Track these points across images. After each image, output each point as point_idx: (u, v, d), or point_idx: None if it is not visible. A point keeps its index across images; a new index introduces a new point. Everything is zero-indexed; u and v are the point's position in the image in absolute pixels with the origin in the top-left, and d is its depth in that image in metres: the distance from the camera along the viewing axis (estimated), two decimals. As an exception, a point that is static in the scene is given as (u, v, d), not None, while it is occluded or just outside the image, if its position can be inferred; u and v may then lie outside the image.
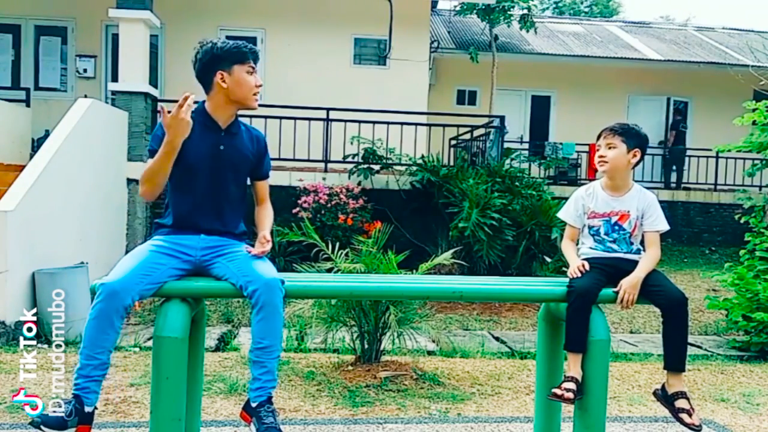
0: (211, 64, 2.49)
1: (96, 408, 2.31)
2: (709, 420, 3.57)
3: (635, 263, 2.64)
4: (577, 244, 2.84)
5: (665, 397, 2.61)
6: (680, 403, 2.55)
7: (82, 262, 6.11)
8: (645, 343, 6.38)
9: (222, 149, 2.52)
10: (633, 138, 2.68)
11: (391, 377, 4.09)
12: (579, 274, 2.62)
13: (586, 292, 2.53)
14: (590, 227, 2.74)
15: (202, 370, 2.83)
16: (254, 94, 2.55)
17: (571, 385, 2.48)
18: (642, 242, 2.74)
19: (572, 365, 2.53)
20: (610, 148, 2.68)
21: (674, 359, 2.59)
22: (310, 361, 4.54)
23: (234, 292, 2.40)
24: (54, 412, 2.21)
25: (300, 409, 3.54)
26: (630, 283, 2.56)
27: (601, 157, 2.70)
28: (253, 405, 2.34)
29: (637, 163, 2.72)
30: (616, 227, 2.69)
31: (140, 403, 3.50)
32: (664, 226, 2.70)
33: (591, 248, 2.74)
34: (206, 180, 2.50)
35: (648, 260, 2.63)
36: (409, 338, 4.37)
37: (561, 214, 2.85)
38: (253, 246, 2.53)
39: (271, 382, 2.37)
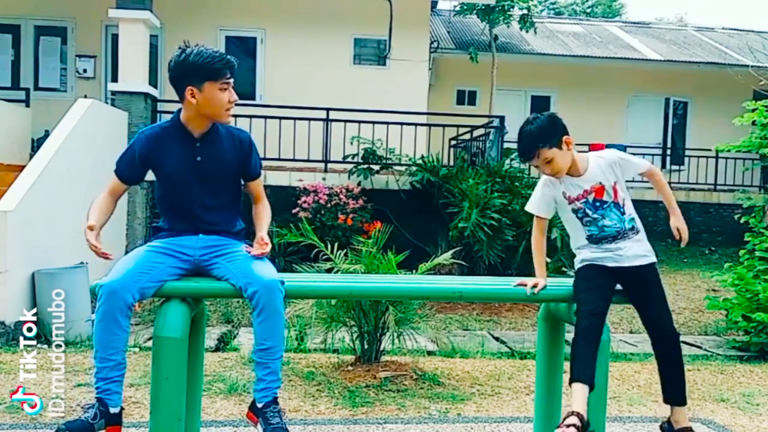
0: (181, 77, 2.40)
1: (123, 408, 2.32)
2: (709, 420, 3.57)
3: (638, 262, 2.56)
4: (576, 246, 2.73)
5: None
6: None
7: (82, 262, 6.10)
8: (645, 343, 6.35)
9: (200, 160, 2.47)
10: (552, 135, 2.50)
11: (391, 377, 4.09)
12: (530, 290, 2.56)
13: (597, 313, 2.40)
14: (575, 212, 2.60)
15: (202, 370, 2.83)
16: (227, 110, 2.46)
17: (575, 420, 2.25)
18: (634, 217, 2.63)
19: (577, 400, 2.31)
20: (548, 162, 2.51)
21: (674, 394, 2.56)
22: (310, 361, 4.54)
23: (234, 292, 2.40)
24: (79, 416, 2.23)
25: (300, 409, 3.54)
26: (681, 226, 2.62)
27: (548, 173, 2.57)
28: (259, 405, 2.35)
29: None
30: (597, 203, 2.57)
31: (140, 403, 3.50)
32: (646, 164, 2.68)
33: (588, 244, 2.61)
34: (190, 192, 2.49)
35: (669, 196, 2.67)
36: (408, 338, 4.37)
37: (528, 207, 2.71)
38: (252, 246, 2.52)
39: (275, 382, 2.37)
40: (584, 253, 2.65)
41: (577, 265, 2.70)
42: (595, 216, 2.58)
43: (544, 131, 2.50)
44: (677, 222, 2.62)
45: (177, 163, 2.47)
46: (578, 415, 2.28)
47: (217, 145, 2.51)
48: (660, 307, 2.56)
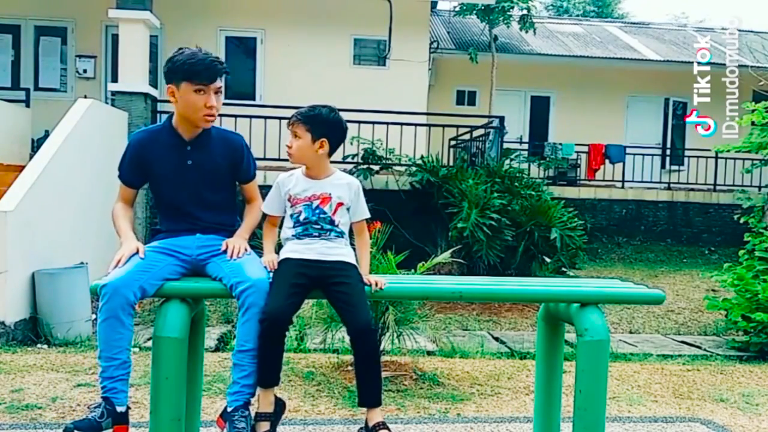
0: (167, 74, 2.41)
1: (129, 407, 2.32)
2: (708, 420, 3.58)
3: (340, 263, 2.50)
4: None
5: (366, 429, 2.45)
6: None
7: (82, 262, 6.10)
8: (644, 343, 6.38)
9: (190, 164, 2.47)
10: (318, 127, 2.52)
11: (390, 377, 4.09)
12: (270, 267, 2.46)
13: (279, 317, 2.38)
14: (292, 215, 2.56)
15: (202, 370, 2.83)
16: (205, 115, 2.42)
17: None
18: (351, 232, 2.59)
19: (262, 400, 2.36)
20: (295, 137, 2.54)
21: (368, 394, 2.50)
22: (310, 361, 4.55)
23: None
24: (86, 416, 2.22)
25: (300, 409, 3.54)
26: (372, 279, 2.49)
27: (288, 147, 2.58)
28: (229, 410, 2.29)
29: (331, 152, 2.56)
30: (318, 210, 2.53)
31: (140, 403, 3.51)
32: (367, 215, 2.62)
33: (292, 237, 2.54)
34: (182, 195, 2.50)
35: (365, 254, 2.56)
36: (408, 338, 4.37)
37: (263, 207, 2.63)
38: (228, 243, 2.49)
39: (250, 387, 2.32)
40: (286, 244, 2.61)
41: None
42: (309, 222, 2.55)
43: (320, 119, 2.54)
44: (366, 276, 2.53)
45: (167, 167, 2.49)
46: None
47: (208, 149, 2.51)
48: (357, 298, 2.51)
